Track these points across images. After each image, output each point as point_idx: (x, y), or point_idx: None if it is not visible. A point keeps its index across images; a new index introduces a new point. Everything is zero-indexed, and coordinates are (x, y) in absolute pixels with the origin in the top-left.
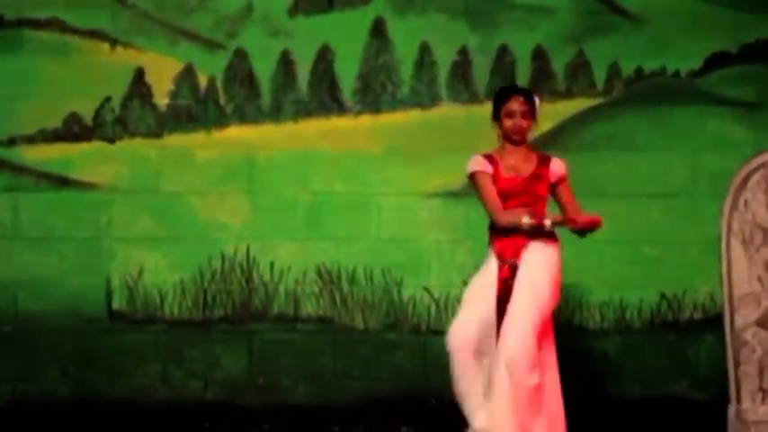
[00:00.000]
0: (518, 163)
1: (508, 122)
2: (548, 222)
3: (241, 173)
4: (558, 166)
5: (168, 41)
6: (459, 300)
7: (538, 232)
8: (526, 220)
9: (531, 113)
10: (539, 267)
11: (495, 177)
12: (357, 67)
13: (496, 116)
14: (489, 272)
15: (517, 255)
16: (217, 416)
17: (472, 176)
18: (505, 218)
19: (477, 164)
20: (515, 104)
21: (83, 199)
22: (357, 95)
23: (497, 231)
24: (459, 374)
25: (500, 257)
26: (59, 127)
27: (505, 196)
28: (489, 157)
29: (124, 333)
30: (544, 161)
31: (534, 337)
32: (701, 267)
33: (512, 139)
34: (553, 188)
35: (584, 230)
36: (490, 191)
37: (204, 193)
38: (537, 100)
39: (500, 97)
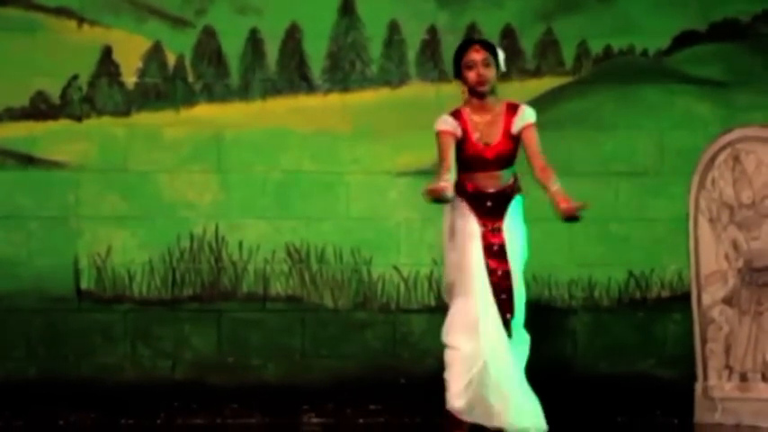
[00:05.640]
0: (487, 127)
1: (470, 74)
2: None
3: (210, 151)
4: (522, 118)
5: (136, 19)
6: (428, 279)
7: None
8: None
9: (492, 62)
10: (520, 229)
11: (465, 141)
12: (326, 46)
13: (458, 72)
14: (475, 240)
15: (501, 219)
16: (186, 395)
17: (437, 134)
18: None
19: (444, 123)
20: (474, 54)
21: (50, 178)
22: (326, 74)
23: (473, 197)
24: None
25: (484, 224)
26: (26, 105)
27: (475, 163)
28: (457, 115)
29: (92, 312)
30: (511, 113)
31: None
32: (669, 245)
33: (477, 92)
34: (520, 135)
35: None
36: (445, 151)
37: (173, 172)
38: (501, 51)
39: (458, 52)
